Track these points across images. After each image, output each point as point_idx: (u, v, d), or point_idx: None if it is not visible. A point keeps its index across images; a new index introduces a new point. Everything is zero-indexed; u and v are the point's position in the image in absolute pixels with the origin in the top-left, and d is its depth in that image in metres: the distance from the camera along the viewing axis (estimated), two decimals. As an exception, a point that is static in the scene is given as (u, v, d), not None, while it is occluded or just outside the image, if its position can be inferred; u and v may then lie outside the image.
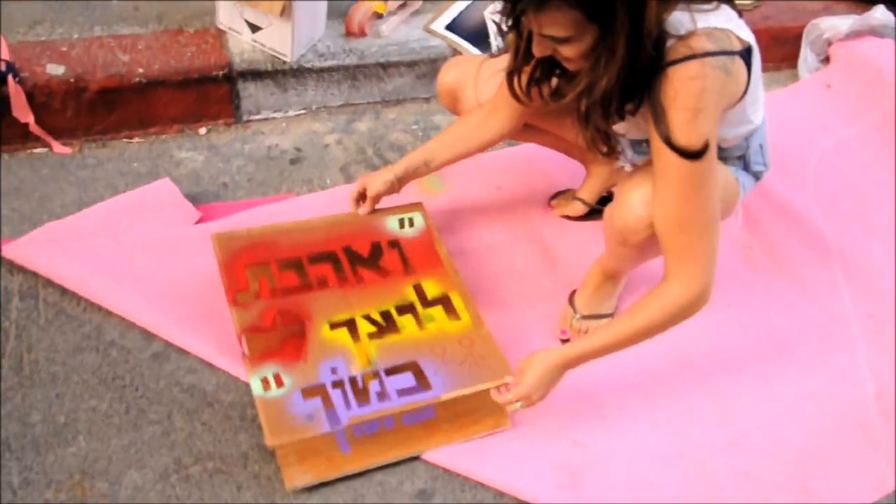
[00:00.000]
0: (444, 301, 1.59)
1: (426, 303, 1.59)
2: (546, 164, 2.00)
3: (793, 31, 2.51)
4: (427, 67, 2.10)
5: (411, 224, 1.70)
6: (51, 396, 1.43)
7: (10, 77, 1.74)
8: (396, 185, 1.60)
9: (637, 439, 1.55)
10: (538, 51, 1.20)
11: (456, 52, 2.11)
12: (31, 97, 1.76)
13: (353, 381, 1.44)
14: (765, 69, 2.47)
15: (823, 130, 2.34)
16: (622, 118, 1.23)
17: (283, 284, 1.55)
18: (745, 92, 1.27)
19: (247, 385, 1.49)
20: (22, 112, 1.77)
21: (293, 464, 1.38)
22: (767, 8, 2.51)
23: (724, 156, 1.45)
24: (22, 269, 1.59)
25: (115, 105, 1.84)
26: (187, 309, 1.58)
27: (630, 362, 1.65)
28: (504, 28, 1.21)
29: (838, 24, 2.48)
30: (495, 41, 2.15)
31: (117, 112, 1.86)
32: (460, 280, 1.63)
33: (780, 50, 2.53)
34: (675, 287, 1.28)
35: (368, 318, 1.54)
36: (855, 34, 2.48)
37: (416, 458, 1.45)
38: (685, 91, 1.13)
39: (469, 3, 2.24)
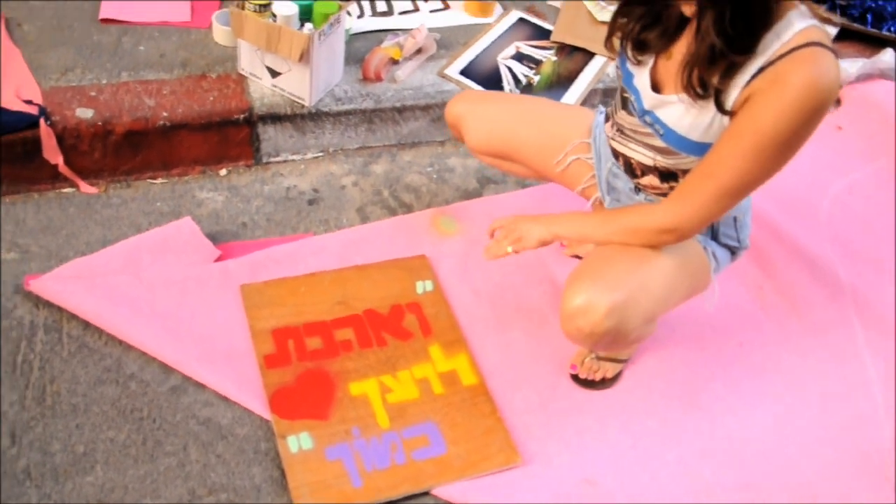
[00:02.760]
0: (458, 366, 1.66)
1: (442, 366, 1.66)
2: (558, 205, 2.04)
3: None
4: (441, 111, 2.15)
5: (426, 289, 1.79)
6: (71, 427, 1.47)
7: (42, 120, 1.82)
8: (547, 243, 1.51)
9: (650, 479, 1.55)
10: None
11: (470, 96, 2.16)
12: (60, 139, 1.84)
13: (372, 440, 1.50)
14: (775, 112, 2.54)
15: (835, 172, 2.36)
16: (741, 49, 1.16)
17: (310, 348, 1.64)
18: None
19: (260, 419, 1.53)
20: (52, 154, 1.84)
21: (305, 496, 1.41)
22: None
23: None
24: (47, 304, 1.64)
25: (140, 147, 1.91)
26: (205, 344, 1.62)
27: (642, 402, 1.68)
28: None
29: (847, 67, 2.52)
30: (507, 86, 2.21)
31: (142, 154, 1.93)
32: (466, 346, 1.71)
33: None
34: (660, 211, 1.32)
35: (389, 379, 1.61)
36: (864, 77, 2.52)
37: (426, 494, 1.46)
38: (813, 77, 1.11)
39: (483, 49, 2.31)
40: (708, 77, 1.19)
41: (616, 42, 1.37)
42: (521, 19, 2.46)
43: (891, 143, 2.41)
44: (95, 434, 1.47)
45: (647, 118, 1.35)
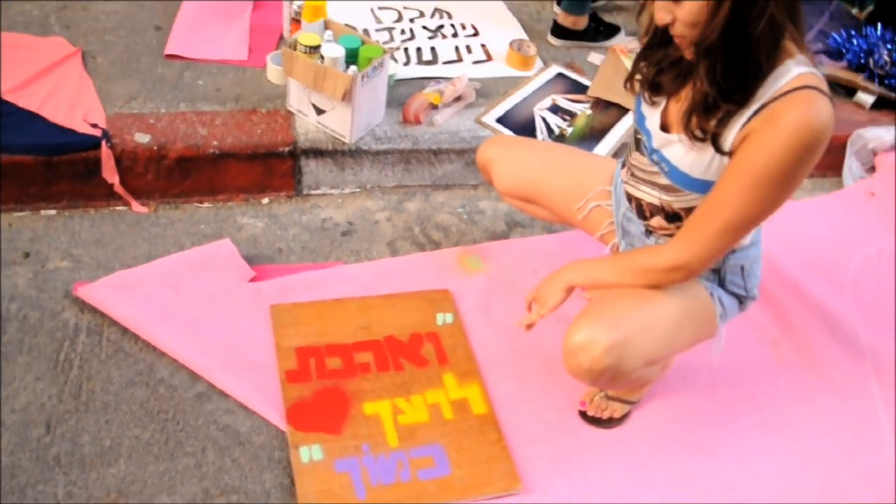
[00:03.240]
0: (470, 395, 1.72)
1: (454, 394, 1.72)
2: (580, 250, 2.10)
3: (836, 140, 2.58)
4: (475, 156, 2.25)
5: (446, 321, 1.87)
6: (101, 422, 1.57)
7: (103, 143, 1.97)
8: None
9: (648, 514, 1.58)
10: (659, 17, 1.25)
11: (504, 142, 2.26)
12: (118, 161, 1.99)
13: (380, 456, 1.56)
14: (809, 176, 2.57)
15: (866, 237, 2.37)
16: (734, 100, 1.24)
17: (330, 367, 1.72)
18: None
19: (277, 429, 1.60)
20: (110, 173, 1.99)
21: (311, 502, 1.47)
22: (811, 118, 2.59)
23: None
24: (91, 309, 1.76)
25: (189, 172, 2.06)
26: (232, 356, 1.71)
27: (647, 444, 1.70)
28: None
29: (882, 134, 2.55)
30: (541, 135, 2.30)
31: (191, 179, 2.07)
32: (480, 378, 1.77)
33: (824, 158, 2.54)
34: (668, 250, 1.38)
35: (402, 402, 1.68)
36: (901, 146, 2.54)
37: (427, 511, 1.51)
38: (806, 116, 1.17)
39: (520, 100, 2.41)
40: (705, 123, 1.27)
41: (636, 84, 1.45)
42: (560, 74, 2.56)
43: (923, 212, 2.42)
44: (122, 430, 1.56)
45: (655, 157, 1.43)
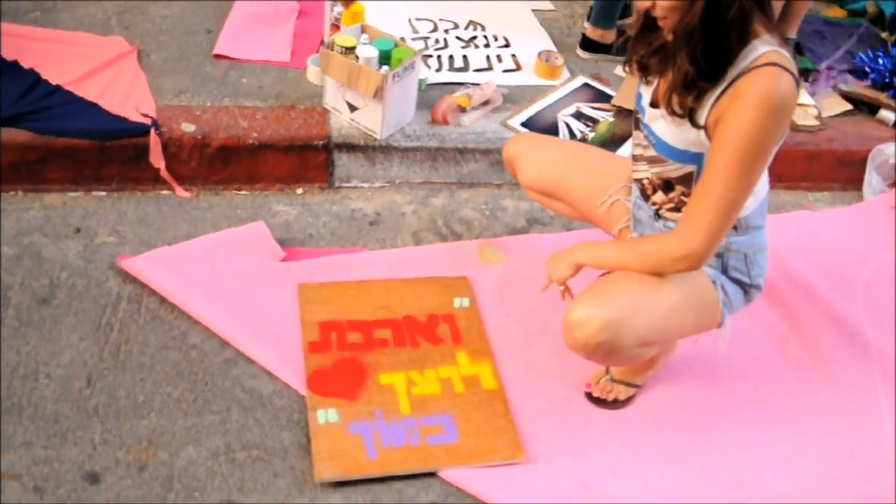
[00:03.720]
0: (481, 372, 1.81)
1: (466, 370, 1.81)
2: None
3: (858, 155, 2.63)
4: (500, 156, 2.34)
5: (462, 304, 1.96)
6: (136, 379, 1.70)
7: (152, 130, 2.13)
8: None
9: (645, 490, 1.64)
10: (640, 3, 1.39)
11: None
12: (165, 148, 2.14)
13: (392, 422, 1.67)
14: (829, 189, 2.64)
15: (881, 247, 2.41)
16: (709, 78, 1.36)
17: (350, 341, 1.83)
18: None
19: (297, 394, 1.72)
20: (156, 159, 2.15)
21: (324, 460, 1.57)
22: (832, 131, 2.65)
23: None
24: (133, 280, 1.90)
25: (230, 161, 2.20)
26: (260, 327, 1.83)
27: (649, 424, 1.77)
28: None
29: (906, 151, 2.59)
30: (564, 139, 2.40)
31: (231, 167, 2.21)
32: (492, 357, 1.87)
33: (845, 171, 2.65)
34: (672, 241, 1.46)
35: (416, 375, 1.78)
36: (923, 161, 2.58)
37: (433, 475, 1.60)
38: (766, 88, 1.30)
39: (546, 106, 2.52)
40: (683, 101, 1.38)
41: (633, 67, 1.56)
42: (586, 84, 2.67)
43: (943, 226, 2.45)
44: (155, 388, 1.69)
45: (645, 131, 1.53)
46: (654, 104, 1.51)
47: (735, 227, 1.53)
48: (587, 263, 1.58)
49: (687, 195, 1.55)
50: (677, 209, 1.59)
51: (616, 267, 1.56)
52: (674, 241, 1.46)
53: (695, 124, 1.40)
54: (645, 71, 1.52)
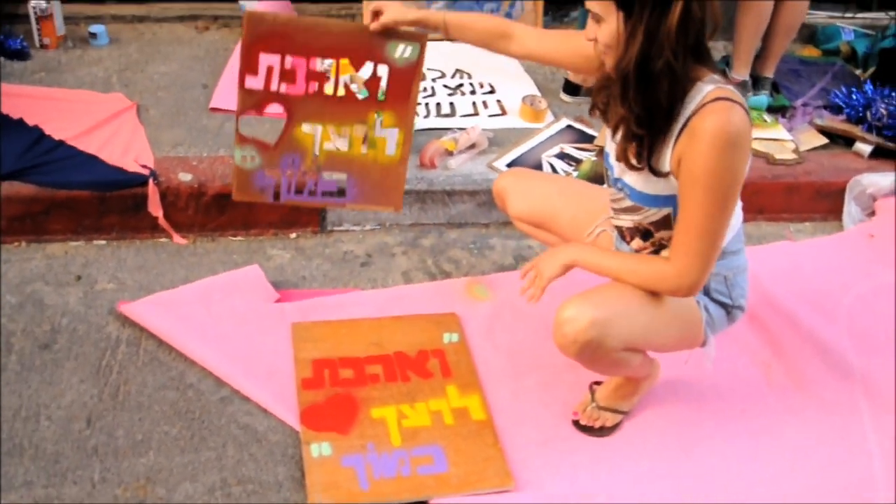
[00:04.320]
0: (470, 404, 1.86)
1: (456, 402, 1.86)
2: (587, 278, 2.24)
3: (835, 186, 2.70)
4: (487, 197, 2.44)
5: (452, 339, 2.01)
6: (134, 419, 1.75)
7: (150, 180, 2.22)
8: (408, 23, 1.81)
9: (635, 517, 1.67)
10: (588, 30, 1.46)
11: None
12: (163, 197, 2.23)
13: (383, 454, 1.72)
14: (810, 220, 2.71)
15: (862, 275, 2.46)
16: (646, 126, 1.44)
17: (342, 377, 1.89)
18: None
19: (291, 430, 1.76)
20: (155, 208, 2.23)
21: (318, 492, 1.61)
22: (810, 164, 2.73)
23: None
24: (132, 324, 1.96)
25: (225, 209, 2.28)
26: (254, 366, 1.89)
27: (637, 449, 1.81)
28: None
29: (880, 180, 2.67)
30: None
31: (227, 215, 2.30)
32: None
33: (825, 202, 2.72)
34: (671, 269, 1.51)
35: (406, 408, 1.83)
36: (898, 190, 2.65)
37: (424, 504, 1.64)
38: (719, 122, 1.37)
39: (530, 148, 2.61)
40: (633, 150, 1.47)
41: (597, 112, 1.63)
42: (569, 126, 2.76)
43: (923, 252, 2.51)
44: (153, 426, 1.74)
45: (619, 185, 1.60)
46: (618, 158, 1.59)
47: None
48: (581, 264, 1.60)
49: (666, 238, 1.62)
50: (657, 251, 1.66)
51: (610, 275, 1.60)
52: (670, 268, 1.51)
53: (656, 174, 1.48)
54: (604, 116, 1.60)
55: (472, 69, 3.04)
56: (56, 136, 2.36)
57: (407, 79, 1.95)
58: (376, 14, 1.83)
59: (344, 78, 1.94)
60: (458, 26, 1.81)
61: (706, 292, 1.65)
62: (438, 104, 2.77)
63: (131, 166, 2.28)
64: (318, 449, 1.70)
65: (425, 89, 2.85)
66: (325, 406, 1.80)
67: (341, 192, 2.02)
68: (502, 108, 2.82)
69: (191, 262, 2.22)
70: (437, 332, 2.03)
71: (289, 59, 1.90)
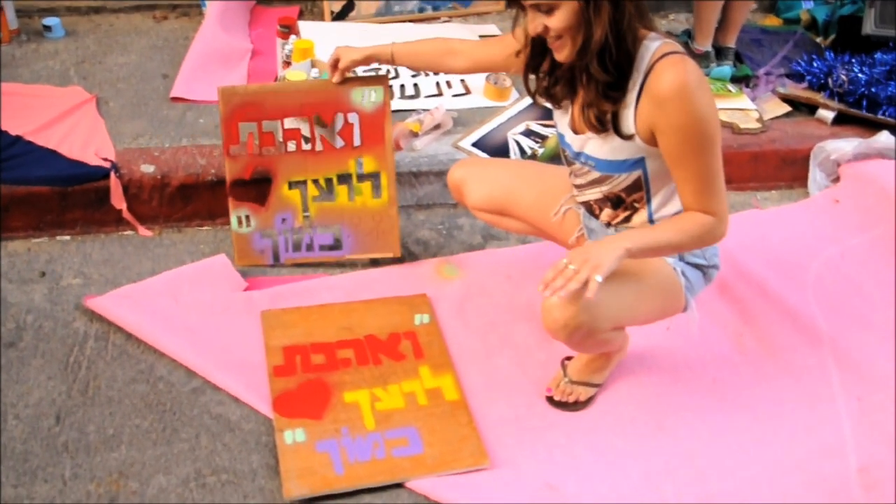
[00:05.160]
0: (443, 384, 1.86)
1: (429, 383, 1.86)
2: (553, 258, 2.24)
3: (800, 153, 2.73)
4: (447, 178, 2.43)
5: (423, 321, 2.01)
6: (105, 414, 1.73)
7: (112, 173, 2.19)
8: (362, 62, 1.93)
9: (610, 489, 1.68)
10: (531, 28, 1.45)
11: (480, 164, 2.44)
12: (125, 189, 2.20)
13: (357, 438, 1.71)
14: (776, 188, 2.74)
15: (829, 240, 2.49)
16: (619, 86, 1.46)
17: (314, 363, 1.88)
18: None
19: (265, 417, 1.75)
20: (118, 201, 2.20)
21: (293, 478, 1.61)
22: (774, 132, 2.75)
23: None
24: (99, 319, 1.94)
25: (190, 199, 2.26)
26: (225, 355, 1.88)
27: (611, 424, 1.83)
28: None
29: (843, 146, 2.69)
30: (514, 157, 2.48)
31: (192, 204, 2.27)
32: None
33: (790, 170, 2.74)
34: (710, 218, 1.51)
35: (379, 391, 1.83)
36: (861, 156, 2.67)
37: (400, 486, 1.64)
38: (678, 76, 1.40)
39: (496, 126, 2.61)
40: (600, 114, 1.47)
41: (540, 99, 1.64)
42: (534, 103, 2.75)
43: (886, 214, 2.53)
44: (124, 420, 1.72)
45: (581, 158, 1.60)
46: (576, 130, 1.58)
47: None
48: (635, 251, 1.48)
49: (638, 200, 1.63)
50: (627, 220, 1.67)
51: (668, 249, 1.55)
52: (709, 217, 1.51)
53: (622, 135, 1.48)
54: (553, 99, 1.60)
55: (436, 49, 3.01)
56: (13, 132, 2.32)
57: (378, 121, 2.06)
58: (335, 64, 1.96)
59: (319, 131, 2.04)
60: (404, 54, 1.89)
61: (681, 257, 1.66)
62: (402, 86, 2.75)
63: (92, 160, 2.24)
64: (292, 435, 1.69)
65: (389, 71, 2.83)
66: (297, 392, 1.79)
67: (338, 244, 2.15)
68: (466, 87, 2.80)
69: (157, 253, 2.19)
70: (408, 314, 2.03)
71: (265, 124, 2.03)
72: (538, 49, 1.54)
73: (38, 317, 1.95)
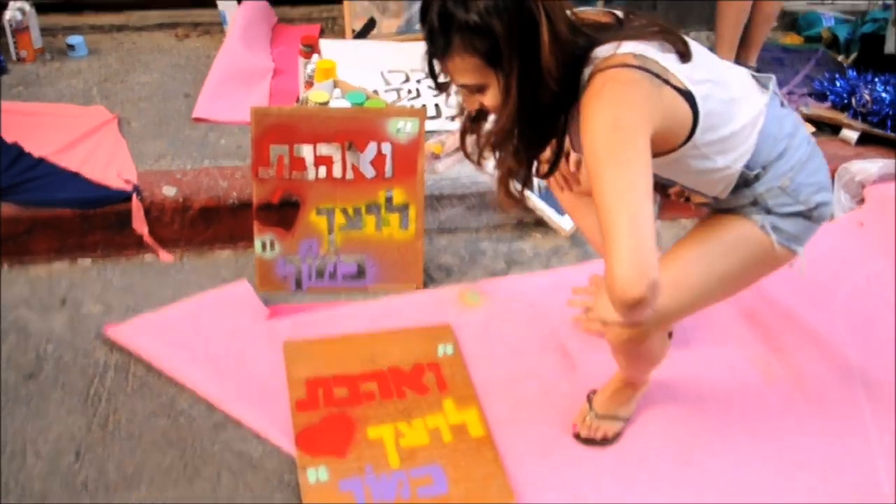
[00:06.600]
0: (468, 419, 1.82)
1: (454, 418, 1.82)
2: (577, 283, 2.21)
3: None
4: (476, 200, 2.41)
5: (446, 352, 1.97)
6: (125, 450, 1.71)
7: (134, 196, 2.17)
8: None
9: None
10: (468, 104, 1.36)
11: (503, 187, 2.41)
12: (147, 212, 2.18)
13: (382, 476, 1.68)
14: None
15: (855, 264, 2.44)
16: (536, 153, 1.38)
17: (337, 396, 1.85)
18: (692, 133, 1.35)
19: (287, 455, 1.73)
20: (139, 225, 2.19)
21: (316, 518, 1.58)
22: (802, 155, 2.70)
23: (727, 206, 1.51)
24: (119, 349, 1.92)
25: (212, 221, 2.24)
26: (247, 388, 1.85)
27: (638, 458, 1.79)
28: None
29: (868, 167, 2.64)
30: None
31: (213, 227, 2.25)
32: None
33: None
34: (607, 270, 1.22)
35: (403, 426, 1.79)
36: (887, 177, 2.62)
37: (425, 526, 1.61)
38: (600, 88, 1.24)
39: (520, 148, 2.57)
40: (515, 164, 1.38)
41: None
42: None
43: (911, 238, 2.48)
44: (144, 458, 1.70)
45: None
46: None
47: (745, 180, 1.45)
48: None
49: (680, 192, 1.57)
50: (688, 199, 1.60)
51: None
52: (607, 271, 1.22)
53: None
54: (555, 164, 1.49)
55: (458, 67, 2.98)
56: (36, 153, 2.30)
57: (411, 154, 2.03)
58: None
59: (351, 159, 2.00)
60: None
61: (767, 210, 1.47)
62: (424, 106, 2.72)
63: (114, 182, 2.23)
64: (315, 474, 1.66)
65: (410, 91, 2.80)
66: (320, 428, 1.77)
67: (361, 273, 2.12)
68: (490, 106, 2.77)
69: (178, 279, 2.17)
70: (431, 345, 2.00)
71: (297, 147, 1.99)
72: (475, 115, 1.43)
73: (58, 346, 1.93)
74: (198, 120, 2.57)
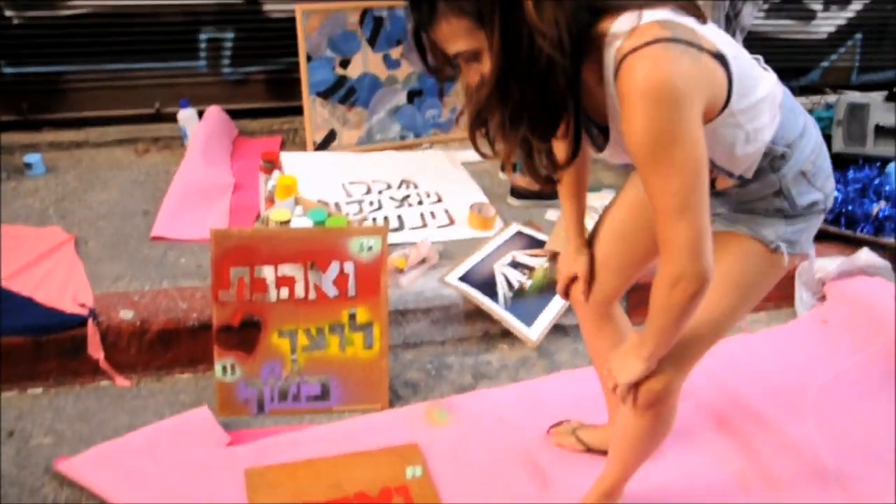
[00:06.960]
0: None
1: None
2: (547, 397, 2.19)
3: (786, 273, 2.72)
4: (440, 314, 2.40)
5: (415, 474, 1.92)
6: None
7: (90, 321, 2.12)
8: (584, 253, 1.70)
9: None
10: (468, 75, 1.24)
11: (468, 300, 2.40)
12: (103, 337, 2.12)
13: None
14: (764, 309, 2.71)
15: (822, 363, 2.46)
16: (545, 136, 1.27)
17: None
18: (728, 99, 1.25)
19: None
20: (95, 350, 2.12)
21: None
22: (758, 257, 2.76)
23: (752, 198, 1.42)
24: (70, 483, 1.83)
25: (170, 345, 2.18)
26: (206, 522, 1.77)
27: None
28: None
29: (827, 265, 2.70)
30: (501, 290, 2.45)
31: (172, 351, 2.19)
32: None
33: (776, 290, 2.65)
34: (660, 273, 1.26)
35: None
36: (845, 274, 2.68)
37: None
38: (639, 78, 1.13)
39: (482, 258, 2.59)
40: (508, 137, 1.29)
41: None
42: (519, 232, 2.75)
43: (876, 333, 2.51)
44: None
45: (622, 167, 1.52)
46: (598, 147, 1.41)
47: (771, 167, 1.36)
48: (653, 356, 1.39)
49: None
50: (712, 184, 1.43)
51: (670, 339, 1.37)
52: (661, 273, 1.27)
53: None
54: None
55: (418, 179, 3.03)
56: (-13, 279, 2.26)
57: (374, 272, 2.04)
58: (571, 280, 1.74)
59: (313, 279, 2.01)
60: (572, 213, 1.70)
61: (791, 204, 1.41)
62: (386, 218, 2.75)
63: (69, 306, 2.17)
64: None
65: (372, 203, 2.83)
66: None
67: (325, 394, 2.09)
68: (450, 217, 2.80)
69: (135, 405, 2.10)
70: (399, 467, 1.94)
71: (258, 269, 1.99)
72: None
73: (3, 483, 1.83)
74: (157, 238, 2.55)
